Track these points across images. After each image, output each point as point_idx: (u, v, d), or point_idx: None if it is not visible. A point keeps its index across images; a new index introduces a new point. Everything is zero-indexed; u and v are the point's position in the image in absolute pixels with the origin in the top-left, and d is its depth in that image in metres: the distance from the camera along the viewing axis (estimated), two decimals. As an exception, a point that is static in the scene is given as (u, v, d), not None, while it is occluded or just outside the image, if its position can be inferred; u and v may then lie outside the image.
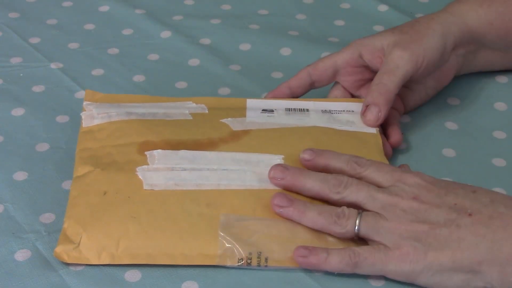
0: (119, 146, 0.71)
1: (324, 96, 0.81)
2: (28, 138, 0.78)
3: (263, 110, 0.77)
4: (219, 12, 0.99)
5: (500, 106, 0.83)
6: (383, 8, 0.99)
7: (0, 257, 0.66)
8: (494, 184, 0.73)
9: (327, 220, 0.63)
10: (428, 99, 0.82)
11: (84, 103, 0.77)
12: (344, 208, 0.63)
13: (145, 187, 0.67)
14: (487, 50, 0.83)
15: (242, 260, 0.64)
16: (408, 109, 0.81)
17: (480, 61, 0.84)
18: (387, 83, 0.74)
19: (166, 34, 0.94)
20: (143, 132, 0.72)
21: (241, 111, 0.76)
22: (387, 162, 0.72)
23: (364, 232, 0.62)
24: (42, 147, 0.77)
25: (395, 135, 0.76)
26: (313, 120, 0.75)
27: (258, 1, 1.01)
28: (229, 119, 0.75)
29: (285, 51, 0.92)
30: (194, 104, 0.77)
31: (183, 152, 0.70)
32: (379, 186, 0.64)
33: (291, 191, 0.67)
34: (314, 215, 0.64)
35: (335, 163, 0.67)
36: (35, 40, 0.93)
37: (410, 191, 0.63)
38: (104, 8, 0.99)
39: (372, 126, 0.74)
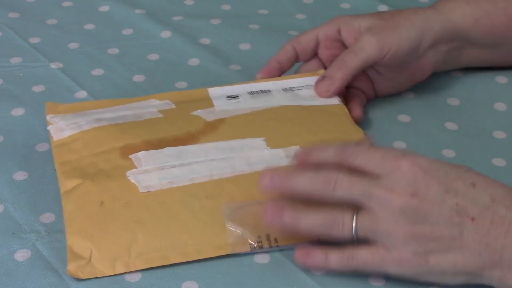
0: (100, 154, 0.71)
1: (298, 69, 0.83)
2: (28, 138, 0.78)
3: (228, 97, 0.78)
4: (219, 12, 0.99)
5: (500, 106, 0.83)
6: (383, 8, 0.99)
7: (0, 257, 0.66)
8: (494, 184, 0.73)
9: (321, 228, 0.62)
10: (401, 89, 0.83)
11: (47, 116, 0.75)
12: (338, 213, 0.61)
13: (141, 190, 0.67)
14: (473, 48, 0.83)
15: (254, 245, 0.64)
16: (378, 95, 0.83)
17: (466, 58, 0.84)
18: (348, 61, 0.77)
19: (166, 34, 0.94)
20: (120, 136, 0.72)
21: (207, 101, 0.77)
22: (361, 130, 0.74)
23: (363, 235, 0.61)
24: (42, 147, 0.77)
25: (355, 110, 0.78)
26: (279, 100, 0.77)
27: (258, 1, 1.01)
28: (199, 111, 0.75)
29: (285, 51, 0.91)
30: (158, 101, 0.78)
31: (167, 150, 0.71)
32: (372, 174, 0.61)
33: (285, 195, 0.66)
34: (308, 223, 0.62)
35: (324, 157, 0.64)
36: (35, 40, 0.93)
37: (408, 186, 0.59)
38: (104, 8, 0.99)
39: (322, 96, 0.77)
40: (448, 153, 0.77)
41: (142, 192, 0.67)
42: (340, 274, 0.64)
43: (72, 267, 0.63)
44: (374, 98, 0.83)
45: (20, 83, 0.86)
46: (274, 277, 0.64)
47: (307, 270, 0.64)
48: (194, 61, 0.90)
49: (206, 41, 0.93)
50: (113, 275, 0.64)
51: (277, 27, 0.96)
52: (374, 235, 0.61)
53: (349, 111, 0.77)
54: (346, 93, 0.81)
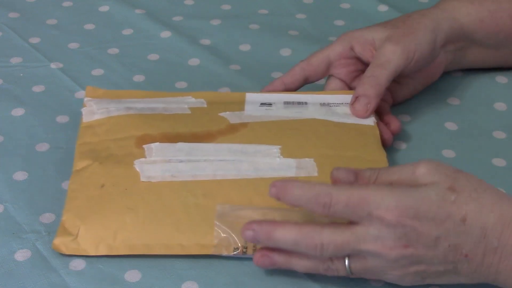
0: (118, 140, 0.72)
1: (320, 88, 0.82)
2: (28, 138, 0.78)
3: (261, 103, 0.77)
4: (219, 12, 0.99)
5: (500, 106, 0.83)
6: (383, 8, 0.99)
7: (0, 257, 0.66)
8: (494, 184, 0.72)
9: (316, 272, 0.62)
10: (415, 93, 0.83)
11: (85, 99, 0.77)
12: (330, 263, 0.61)
13: (142, 179, 0.68)
14: (478, 47, 0.83)
15: (238, 249, 0.64)
16: (395, 102, 0.82)
17: (470, 58, 0.84)
18: (378, 76, 0.75)
19: (166, 34, 0.94)
20: (141, 126, 0.73)
21: (240, 105, 0.77)
22: (384, 154, 0.72)
23: (359, 276, 0.62)
24: (42, 147, 0.77)
25: (394, 122, 0.77)
26: (311, 112, 0.76)
27: (258, 1, 1.01)
28: (227, 112, 0.75)
29: (285, 51, 0.91)
30: (193, 99, 0.78)
31: (180, 145, 0.71)
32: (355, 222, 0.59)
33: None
34: (301, 269, 0.62)
35: (299, 199, 0.60)
36: (35, 40, 0.93)
37: (398, 239, 0.58)
38: (104, 8, 0.99)
39: (361, 117, 0.75)
40: (448, 153, 0.77)
41: (142, 181, 0.68)
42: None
43: (57, 241, 0.65)
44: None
45: (20, 83, 0.86)
46: (274, 277, 0.64)
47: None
48: (194, 61, 0.90)
49: (206, 41, 0.93)
50: (112, 275, 0.64)
51: (277, 27, 0.96)
52: (371, 275, 0.62)
53: (388, 123, 0.77)
54: None
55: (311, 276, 0.64)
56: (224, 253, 0.65)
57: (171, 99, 0.78)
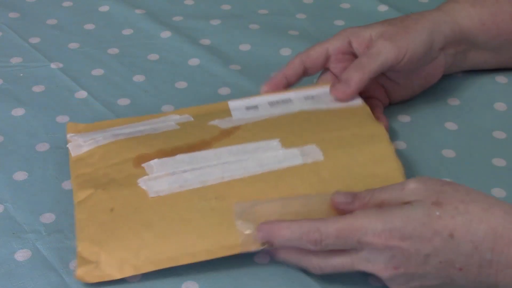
0: (114, 165, 0.71)
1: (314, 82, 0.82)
2: (28, 138, 0.78)
3: (247, 107, 0.77)
4: (219, 12, 0.99)
5: (500, 106, 0.83)
6: (383, 8, 0.99)
7: (0, 257, 0.66)
8: (494, 184, 0.73)
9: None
10: (413, 94, 0.83)
11: (68, 135, 0.75)
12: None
13: (151, 194, 0.67)
14: (479, 50, 0.83)
15: (265, 244, 0.64)
16: (392, 103, 0.82)
17: (471, 61, 0.84)
18: (364, 64, 0.76)
19: (166, 34, 0.94)
20: (135, 148, 0.72)
21: (226, 113, 0.77)
22: (381, 126, 0.73)
23: None
24: (42, 147, 0.77)
25: (381, 119, 0.77)
26: (298, 106, 0.76)
27: (258, 1, 1.01)
28: (216, 120, 0.75)
29: (285, 51, 0.92)
30: (178, 116, 0.77)
31: (179, 156, 0.70)
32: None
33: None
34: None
35: (290, 240, 0.61)
36: (35, 40, 0.93)
37: (388, 262, 0.59)
38: (104, 8, 0.99)
39: (339, 98, 0.75)
40: (448, 153, 0.77)
41: (151, 197, 0.67)
42: (340, 274, 0.64)
43: (81, 271, 0.63)
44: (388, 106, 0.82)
45: (20, 83, 0.86)
46: (274, 277, 0.64)
47: (307, 270, 0.64)
48: (194, 61, 0.90)
49: (206, 41, 0.93)
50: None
51: (277, 27, 0.96)
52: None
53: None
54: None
55: (311, 275, 0.64)
56: (253, 249, 0.64)
57: (156, 120, 0.77)
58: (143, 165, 0.70)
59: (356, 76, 0.75)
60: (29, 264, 0.65)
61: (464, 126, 0.81)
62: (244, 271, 0.65)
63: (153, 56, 0.90)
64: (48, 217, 0.69)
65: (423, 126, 0.81)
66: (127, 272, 0.63)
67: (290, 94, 0.78)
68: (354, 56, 0.80)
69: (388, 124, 0.78)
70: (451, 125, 0.81)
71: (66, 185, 0.72)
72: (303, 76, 0.80)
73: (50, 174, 0.73)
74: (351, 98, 0.76)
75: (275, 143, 0.71)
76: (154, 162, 0.70)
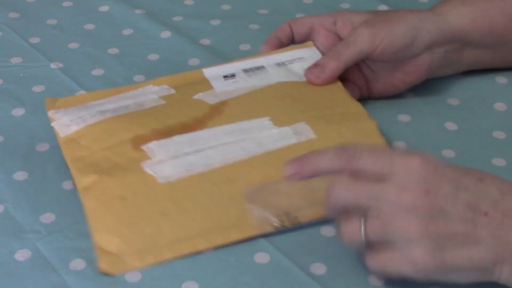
0: (111, 147, 0.71)
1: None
2: (28, 138, 0.78)
3: (224, 76, 0.79)
4: (219, 12, 0.99)
5: (500, 106, 0.83)
6: (383, 8, 0.99)
7: (0, 257, 0.66)
8: (494, 184, 0.73)
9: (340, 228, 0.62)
10: (395, 91, 0.83)
11: (49, 112, 0.75)
12: (341, 223, 0.61)
13: (160, 180, 0.68)
14: (473, 49, 0.83)
15: (277, 224, 0.66)
16: (374, 95, 0.83)
17: (467, 60, 0.83)
18: (341, 52, 0.79)
19: (166, 34, 0.94)
20: (128, 128, 0.73)
21: (205, 83, 0.78)
22: (359, 104, 0.77)
23: (373, 239, 0.60)
24: (42, 147, 0.77)
25: None
26: (275, 76, 0.79)
27: (258, 1, 1.01)
28: (200, 94, 0.77)
29: (285, 51, 0.91)
30: (157, 87, 0.78)
31: (177, 138, 0.71)
32: (378, 175, 0.60)
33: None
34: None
35: (322, 164, 0.62)
36: (35, 40, 0.93)
37: (420, 184, 0.58)
38: (104, 8, 0.99)
39: (313, 82, 0.79)
40: (448, 153, 0.77)
41: (161, 183, 0.68)
42: (340, 274, 0.64)
43: (103, 264, 0.64)
44: (370, 99, 0.83)
45: (20, 83, 0.86)
46: (274, 277, 0.64)
47: (307, 270, 0.64)
48: (194, 61, 0.90)
49: (206, 41, 0.93)
50: (113, 276, 0.64)
51: (277, 27, 0.95)
52: (384, 237, 0.59)
53: None
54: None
55: (311, 275, 0.64)
56: (266, 230, 0.66)
57: (135, 92, 0.78)
58: (142, 147, 0.71)
59: (332, 64, 0.78)
60: (29, 264, 0.65)
61: (464, 126, 0.81)
62: (244, 271, 0.65)
63: (153, 56, 0.90)
64: (48, 217, 0.69)
65: (423, 126, 0.81)
66: (149, 261, 0.64)
67: (261, 60, 0.81)
68: (337, 36, 0.82)
69: None
70: (451, 125, 0.81)
71: (66, 185, 0.72)
72: (292, 41, 0.84)
73: (50, 174, 0.73)
74: (324, 83, 0.78)
75: (266, 121, 0.73)
76: (154, 144, 0.71)
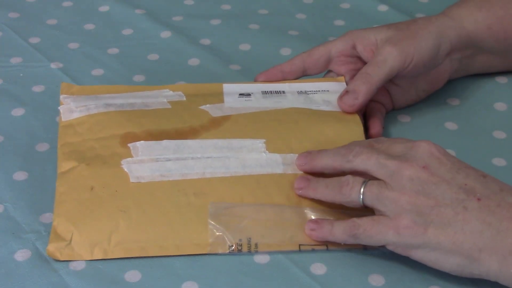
0: (101, 139, 0.72)
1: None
2: (28, 138, 0.78)
3: (240, 94, 0.78)
4: (219, 12, 0.99)
5: (500, 106, 0.83)
6: (383, 8, 0.99)
7: (0, 257, 0.66)
8: (494, 184, 0.73)
9: (333, 191, 0.64)
10: (418, 100, 0.82)
11: (61, 96, 0.77)
12: (349, 177, 0.64)
13: (132, 179, 0.68)
14: (486, 54, 0.83)
15: (233, 247, 0.65)
16: (396, 108, 0.82)
17: (478, 65, 0.84)
18: (371, 74, 0.75)
19: (166, 34, 0.94)
20: (124, 124, 0.73)
21: (218, 97, 0.77)
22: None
23: (369, 202, 0.62)
24: (42, 147, 0.77)
25: (375, 127, 0.77)
26: (290, 101, 0.77)
27: (258, 1, 1.01)
28: (207, 105, 0.76)
29: (285, 51, 0.92)
30: (171, 92, 0.78)
31: (166, 142, 0.71)
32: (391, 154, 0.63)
33: (314, 173, 0.68)
34: (323, 189, 0.65)
35: (331, 162, 0.66)
36: (35, 40, 0.93)
37: (421, 159, 0.61)
38: (104, 8, 0.99)
39: (346, 111, 0.75)
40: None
41: (132, 182, 0.68)
42: (340, 274, 0.64)
43: (52, 247, 0.65)
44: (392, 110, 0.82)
45: (20, 83, 0.86)
46: (274, 277, 0.64)
47: (307, 270, 0.64)
48: (194, 61, 0.90)
49: (206, 41, 0.93)
50: (112, 275, 0.64)
51: (277, 27, 0.96)
52: (378, 203, 0.62)
53: (370, 126, 0.77)
54: (366, 107, 0.80)
55: (311, 275, 0.64)
56: (220, 251, 0.65)
57: (149, 93, 0.78)
58: (129, 145, 0.70)
59: (364, 88, 0.75)
60: (29, 264, 0.65)
61: (464, 126, 0.81)
62: (244, 271, 0.64)
63: (153, 56, 0.90)
64: (48, 217, 0.69)
65: (423, 126, 0.81)
66: (97, 255, 0.65)
67: (285, 86, 0.79)
68: (358, 59, 0.80)
69: (382, 132, 0.78)
70: (451, 125, 0.81)
71: (66, 185, 0.72)
72: (302, 75, 0.81)
73: (50, 174, 0.73)
74: (358, 110, 0.76)
75: (260, 144, 0.71)
76: (140, 144, 0.71)
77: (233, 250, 0.65)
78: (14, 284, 0.63)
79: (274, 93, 0.78)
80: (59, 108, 0.75)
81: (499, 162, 0.76)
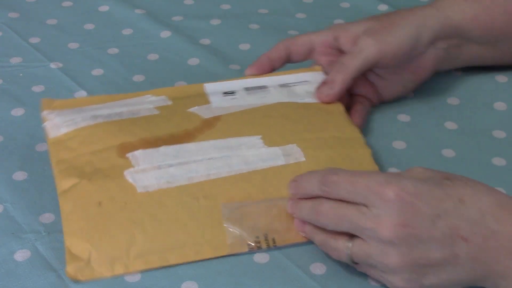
0: (97, 152, 0.70)
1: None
2: (28, 138, 0.78)
3: (224, 93, 0.78)
4: (219, 12, 0.99)
5: (500, 106, 0.83)
6: (383, 7, 0.99)
7: (0, 257, 0.66)
8: (494, 184, 0.72)
9: (324, 249, 0.64)
10: (406, 92, 0.83)
11: (44, 112, 0.75)
12: (334, 241, 0.62)
13: (139, 190, 0.67)
14: (474, 45, 0.82)
15: (252, 245, 0.65)
16: (385, 100, 0.82)
17: (466, 56, 0.83)
18: (346, 64, 0.76)
19: (166, 34, 0.94)
20: (117, 134, 0.72)
21: (203, 98, 0.77)
22: (357, 130, 0.74)
23: (359, 261, 0.61)
24: (42, 147, 0.77)
25: (354, 118, 0.78)
26: (275, 96, 0.77)
27: (258, 1, 1.01)
28: (195, 107, 0.75)
29: (285, 51, 0.91)
30: (154, 97, 0.77)
31: (163, 149, 0.70)
32: (357, 203, 0.60)
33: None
34: (317, 242, 0.64)
35: (308, 189, 0.64)
36: (35, 40, 0.93)
37: (396, 216, 0.58)
38: (104, 8, 0.99)
39: (323, 101, 0.76)
40: (448, 153, 0.77)
41: (139, 192, 0.67)
42: (340, 274, 0.64)
43: (71, 269, 0.63)
44: (381, 103, 0.82)
45: (20, 83, 0.86)
46: (274, 277, 0.64)
47: (307, 269, 0.64)
48: (194, 61, 0.90)
49: (206, 41, 0.93)
50: (112, 276, 0.64)
51: (277, 27, 0.96)
52: (369, 262, 0.61)
53: (351, 118, 0.77)
54: (349, 100, 0.80)
55: (311, 275, 0.64)
56: (240, 251, 0.65)
57: (132, 100, 0.77)
58: (127, 155, 0.70)
59: (339, 77, 0.76)
60: (28, 264, 0.65)
61: (464, 126, 0.81)
62: (244, 271, 0.65)
63: (153, 56, 0.90)
64: (47, 217, 0.69)
65: (423, 126, 0.81)
66: (118, 271, 0.64)
67: (265, 80, 0.79)
68: (340, 51, 0.80)
69: (362, 124, 0.78)
70: (451, 125, 0.81)
71: (66, 185, 0.72)
72: (286, 61, 0.81)
73: (50, 174, 0.73)
74: (335, 100, 0.76)
75: (257, 140, 0.72)
76: (139, 153, 0.70)
77: (252, 248, 0.65)
78: (14, 284, 0.64)
79: (257, 89, 0.78)
80: (43, 125, 0.74)
81: (499, 161, 0.76)
